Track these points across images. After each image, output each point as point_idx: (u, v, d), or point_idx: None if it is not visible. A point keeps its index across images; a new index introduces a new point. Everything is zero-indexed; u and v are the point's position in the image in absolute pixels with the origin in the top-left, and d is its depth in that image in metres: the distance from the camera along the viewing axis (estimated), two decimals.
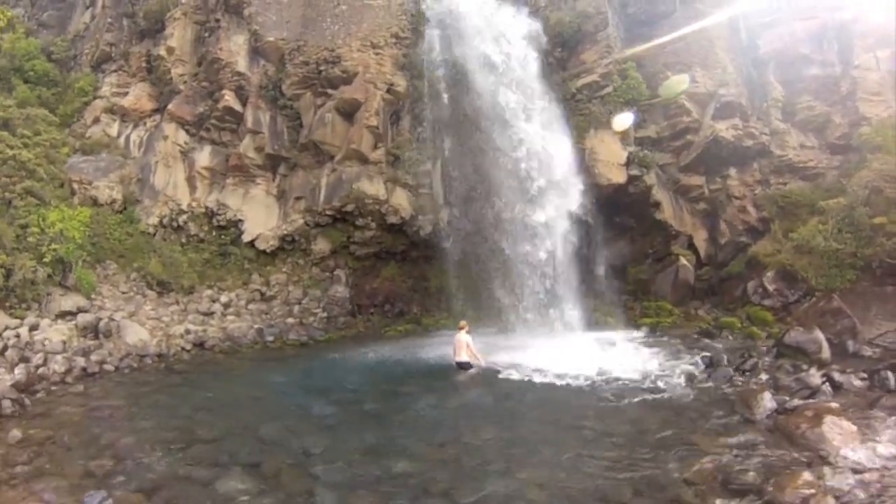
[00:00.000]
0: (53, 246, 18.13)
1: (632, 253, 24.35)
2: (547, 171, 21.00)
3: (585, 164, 21.69)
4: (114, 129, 25.75)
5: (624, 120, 21.56)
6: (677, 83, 21.63)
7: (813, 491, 6.98)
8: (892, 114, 21.86)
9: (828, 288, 18.39)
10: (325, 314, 23.02)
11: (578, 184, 21.30)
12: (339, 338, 21.56)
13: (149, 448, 9.94)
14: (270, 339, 20.51)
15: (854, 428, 9.02)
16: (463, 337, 15.57)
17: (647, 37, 23.00)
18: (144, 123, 25.91)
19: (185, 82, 25.32)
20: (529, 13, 23.25)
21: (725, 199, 23.31)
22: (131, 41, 27.26)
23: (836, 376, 12.24)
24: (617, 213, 23.34)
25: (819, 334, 14.40)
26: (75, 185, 22.90)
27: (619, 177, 21.75)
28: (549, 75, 22.60)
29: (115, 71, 26.85)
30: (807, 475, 7.46)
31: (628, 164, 21.91)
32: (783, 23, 23.06)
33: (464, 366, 15.45)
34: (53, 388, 14.28)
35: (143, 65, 26.30)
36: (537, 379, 14.26)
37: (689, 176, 23.22)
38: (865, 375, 12.43)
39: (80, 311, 18.36)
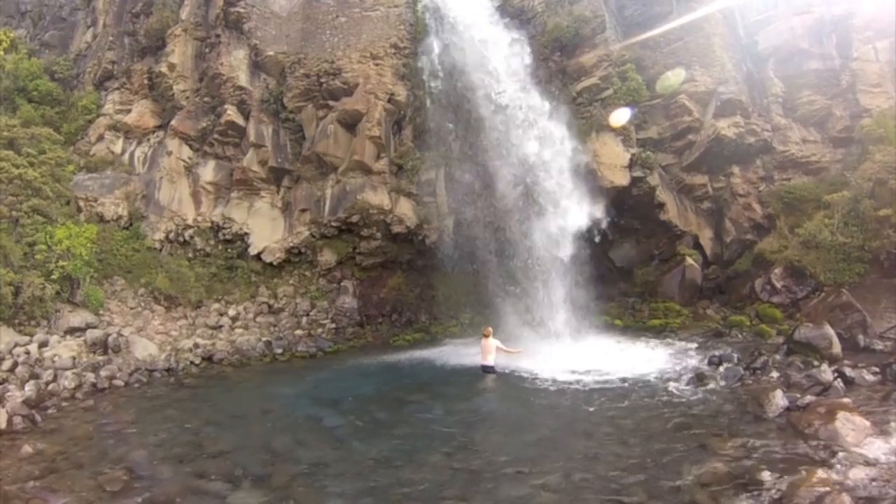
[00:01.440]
0: (61, 263, 18.26)
1: (638, 254, 24.29)
2: (552, 176, 21.03)
3: (589, 168, 21.68)
4: (118, 146, 25.90)
5: (620, 116, 21.58)
6: (674, 77, 21.68)
7: (827, 488, 6.91)
8: (892, 104, 21.85)
9: (836, 282, 18.29)
10: (333, 325, 23.02)
11: (584, 187, 21.33)
12: (347, 348, 21.58)
13: (160, 462, 9.96)
14: (279, 351, 20.53)
15: (867, 423, 8.96)
16: (490, 342, 15.95)
17: (644, 38, 23.06)
18: (148, 140, 26.04)
19: (187, 98, 25.47)
20: (523, 21, 23.35)
21: (730, 197, 23.23)
22: (133, 59, 27.40)
23: (848, 371, 12.16)
24: (621, 214, 23.27)
25: (829, 330, 14.31)
26: (81, 203, 23.05)
27: (622, 179, 21.71)
28: (548, 81, 22.64)
29: (118, 88, 27.00)
30: (821, 473, 7.40)
31: (631, 165, 21.83)
32: (780, 18, 23.13)
33: (489, 370, 15.73)
34: (64, 403, 14.36)
35: (146, 82, 26.42)
36: (547, 383, 14.26)
37: (693, 175, 23.15)
38: (877, 369, 12.35)
39: (89, 326, 18.44)
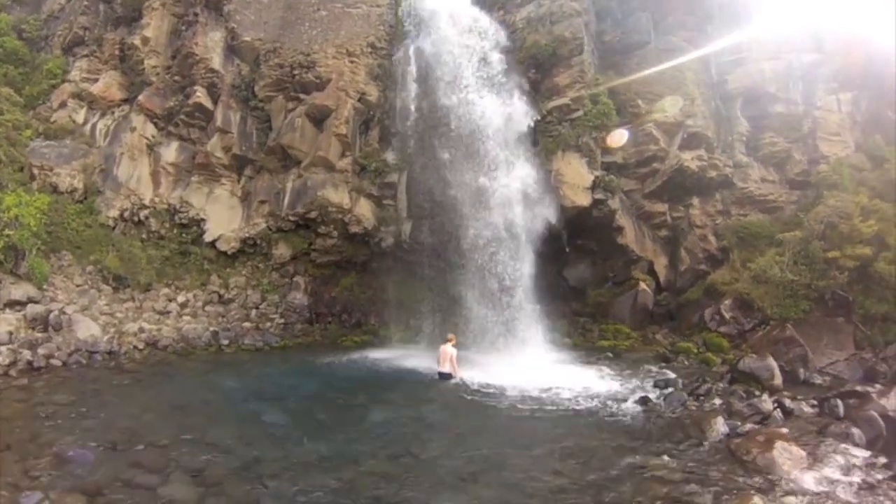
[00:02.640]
0: (7, 232, 17.51)
1: (592, 276, 24.62)
2: (513, 187, 21.18)
3: (551, 185, 21.89)
4: (80, 116, 25.01)
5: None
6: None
7: None
8: (849, 153, 22.92)
9: (782, 317, 18.91)
10: (282, 320, 22.67)
11: (545, 202, 21.54)
12: (295, 345, 21.29)
13: (92, 449, 9.59)
14: (226, 342, 20.16)
15: (803, 453, 9.21)
16: (449, 349, 15.96)
17: (620, 65, 23.60)
18: (112, 113, 25.25)
19: (157, 74, 24.84)
20: (506, 34, 23.51)
21: (687, 227, 23.81)
22: (106, 27, 26.64)
23: (788, 403, 12.53)
24: (579, 235, 23.57)
25: (772, 362, 14.74)
26: (35, 171, 22.23)
27: (583, 200, 21.96)
28: (520, 97, 22.82)
29: (87, 56, 26.15)
30: (757, 499, 7.55)
31: (594, 187, 22.13)
32: (752, 61, 23.86)
33: (445, 376, 15.76)
34: None
35: (116, 52, 25.69)
36: (492, 396, 14.22)
37: (653, 203, 23.66)
38: (815, 403, 12.76)
39: (31, 301, 17.75)
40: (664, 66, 22.64)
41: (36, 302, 17.88)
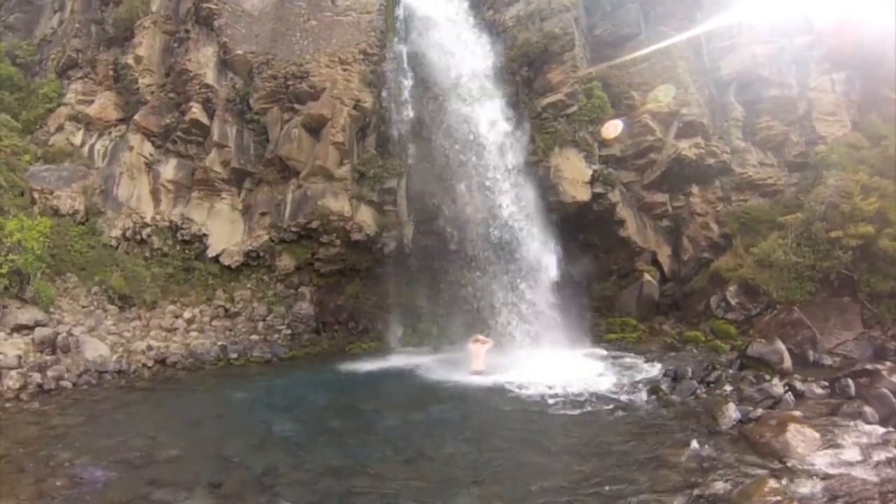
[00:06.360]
0: (11, 257, 17.50)
1: (596, 269, 24.59)
2: (513, 186, 21.21)
3: (550, 182, 21.92)
4: (78, 138, 25.11)
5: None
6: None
7: (779, 498, 7.06)
8: (846, 132, 22.93)
9: (788, 300, 18.90)
10: (289, 331, 22.67)
11: (544, 199, 21.58)
12: (303, 355, 21.30)
13: (107, 468, 9.61)
14: (234, 355, 20.16)
15: (817, 435, 9.18)
16: (479, 347, 16.81)
17: (612, 58, 23.61)
18: (109, 133, 25.30)
19: (152, 93, 24.89)
20: (494, 35, 23.58)
21: (688, 216, 23.80)
22: (99, 48, 26.70)
23: (798, 385, 12.50)
24: (581, 230, 23.57)
25: (781, 345, 14.72)
26: (36, 195, 22.30)
27: (583, 194, 21.98)
28: (514, 95, 22.85)
29: (81, 78, 26.25)
30: (772, 483, 7.53)
31: (593, 181, 22.15)
32: (744, 46, 23.88)
33: (479, 373, 16.44)
34: (7, 405, 13.84)
35: (110, 73, 25.73)
36: (503, 394, 14.24)
37: (653, 193, 23.65)
38: (826, 384, 12.73)
39: (38, 324, 17.71)
40: (656, 48, 22.71)
41: (43, 325, 17.87)
